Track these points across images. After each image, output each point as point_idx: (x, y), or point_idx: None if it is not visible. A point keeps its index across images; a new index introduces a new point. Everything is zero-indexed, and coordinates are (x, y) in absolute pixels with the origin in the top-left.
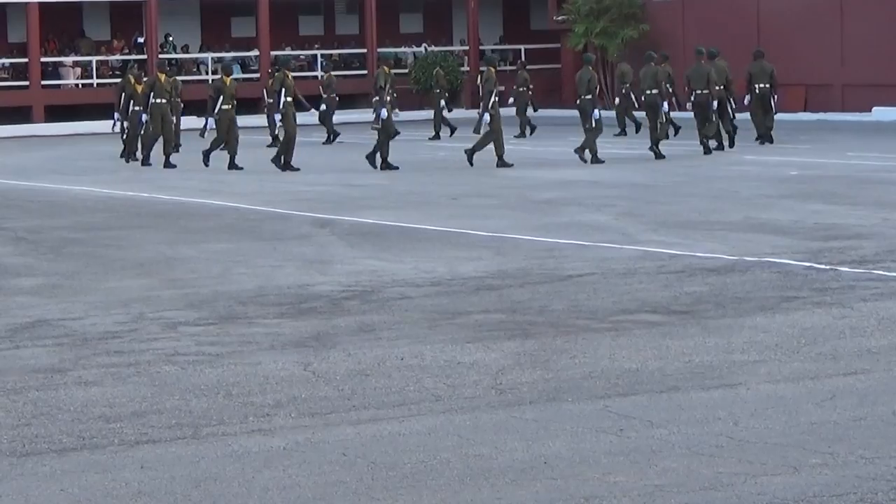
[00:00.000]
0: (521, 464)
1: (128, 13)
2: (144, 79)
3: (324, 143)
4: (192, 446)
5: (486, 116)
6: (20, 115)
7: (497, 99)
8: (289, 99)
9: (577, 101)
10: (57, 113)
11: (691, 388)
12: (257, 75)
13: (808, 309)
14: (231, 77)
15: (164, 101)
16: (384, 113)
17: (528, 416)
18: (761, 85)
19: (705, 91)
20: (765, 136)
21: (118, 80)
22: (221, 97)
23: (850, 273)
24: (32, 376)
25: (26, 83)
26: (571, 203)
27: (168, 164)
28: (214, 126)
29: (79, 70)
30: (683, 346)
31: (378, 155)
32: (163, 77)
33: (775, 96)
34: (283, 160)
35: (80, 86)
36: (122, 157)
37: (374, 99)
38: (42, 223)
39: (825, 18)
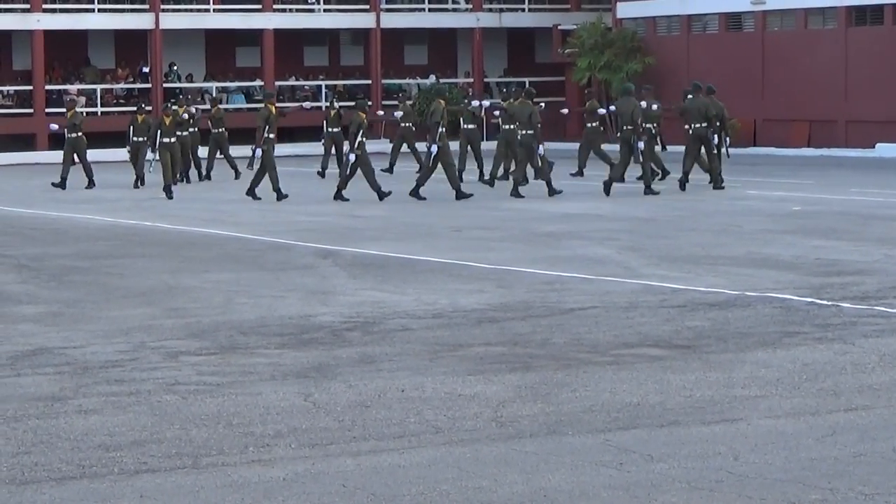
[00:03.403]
0: (520, 497)
1: (133, 42)
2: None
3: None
4: (192, 476)
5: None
6: (24, 142)
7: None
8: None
9: (619, 133)
10: (61, 141)
11: (692, 423)
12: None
13: (810, 345)
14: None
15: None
16: (434, 148)
17: (528, 449)
18: (701, 125)
19: (704, 125)
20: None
21: (131, 110)
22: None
23: (851, 309)
24: (32, 404)
25: (30, 111)
26: (574, 236)
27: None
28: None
29: (83, 98)
30: (684, 380)
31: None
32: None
33: (727, 137)
34: (379, 193)
35: (84, 114)
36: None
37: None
38: (44, 251)
39: (829, 54)
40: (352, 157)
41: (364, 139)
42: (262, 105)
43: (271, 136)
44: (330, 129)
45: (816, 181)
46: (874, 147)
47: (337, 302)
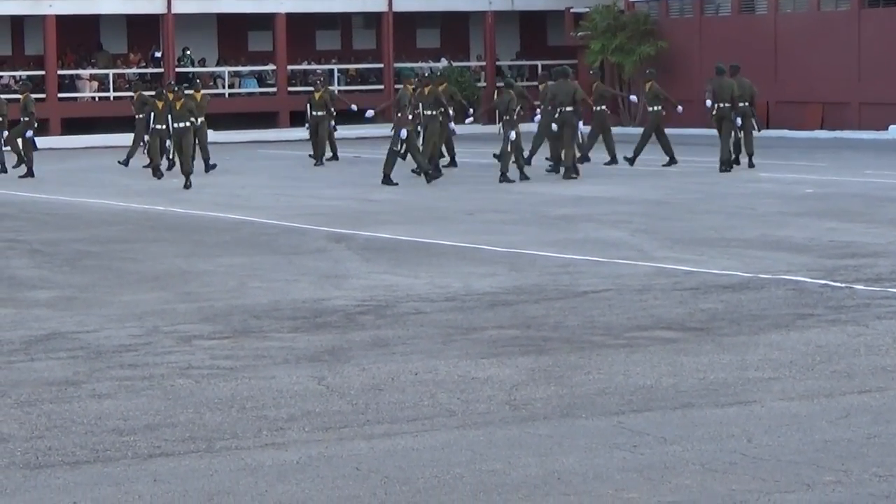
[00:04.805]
0: (534, 479)
1: (145, 26)
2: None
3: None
4: (206, 460)
5: (512, 133)
6: (37, 127)
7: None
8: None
9: (714, 111)
10: (73, 126)
11: (705, 405)
12: (274, 90)
13: (823, 327)
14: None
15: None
16: (513, 134)
17: (541, 432)
18: (740, 104)
19: (727, 105)
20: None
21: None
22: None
23: (865, 291)
24: (46, 389)
25: (43, 96)
26: (587, 219)
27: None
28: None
29: (96, 83)
30: (698, 362)
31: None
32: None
33: (754, 115)
34: (522, 172)
35: (96, 99)
36: None
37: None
38: (58, 236)
39: (842, 36)
40: (512, 136)
41: (514, 117)
42: (400, 86)
43: (410, 115)
44: (314, 113)
45: (830, 163)
46: (888, 129)
47: (350, 285)
